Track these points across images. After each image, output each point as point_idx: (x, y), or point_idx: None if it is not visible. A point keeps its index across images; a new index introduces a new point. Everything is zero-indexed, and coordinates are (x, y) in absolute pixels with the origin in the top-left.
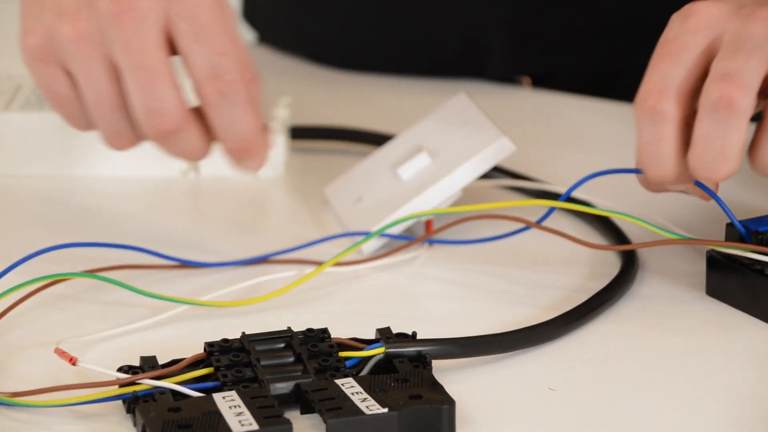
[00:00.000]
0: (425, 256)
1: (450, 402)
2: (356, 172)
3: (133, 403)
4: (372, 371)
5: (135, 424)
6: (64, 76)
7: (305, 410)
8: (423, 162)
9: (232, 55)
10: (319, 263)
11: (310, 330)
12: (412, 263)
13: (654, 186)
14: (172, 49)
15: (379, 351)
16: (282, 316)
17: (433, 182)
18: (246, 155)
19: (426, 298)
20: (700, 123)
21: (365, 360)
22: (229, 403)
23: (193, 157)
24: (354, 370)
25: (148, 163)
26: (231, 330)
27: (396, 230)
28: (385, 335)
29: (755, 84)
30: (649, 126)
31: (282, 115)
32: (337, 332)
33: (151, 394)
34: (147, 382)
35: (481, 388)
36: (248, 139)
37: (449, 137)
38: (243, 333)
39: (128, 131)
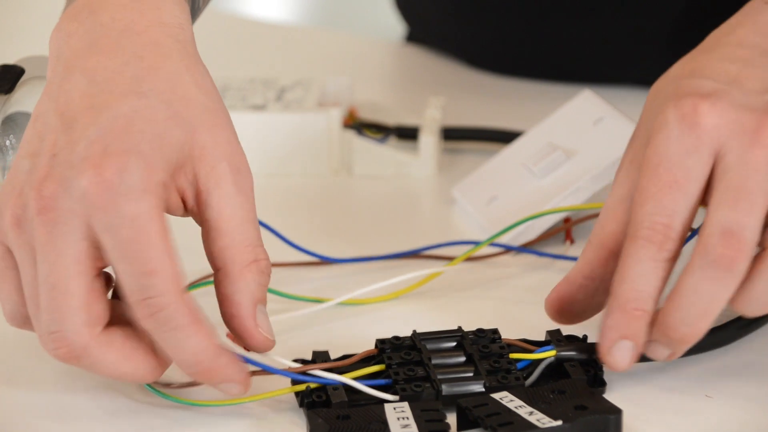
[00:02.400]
0: (569, 254)
1: (617, 411)
2: (485, 172)
3: (306, 397)
4: (542, 374)
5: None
6: (7, 255)
7: (462, 426)
8: (559, 161)
9: (163, 274)
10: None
11: (480, 330)
12: (556, 261)
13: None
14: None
15: (550, 354)
16: (433, 313)
17: (577, 180)
18: (208, 379)
19: None
20: (692, 275)
21: (535, 363)
22: (398, 414)
23: (129, 379)
24: (524, 372)
25: (298, 162)
26: (392, 327)
27: (535, 232)
28: (555, 338)
29: (756, 237)
30: (647, 257)
31: (435, 116)
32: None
33: (324, 389)
34: (321, 374)
35: (638, 394)
36: (201, 363)
37: (583, 135)
38: (414, 331)
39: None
